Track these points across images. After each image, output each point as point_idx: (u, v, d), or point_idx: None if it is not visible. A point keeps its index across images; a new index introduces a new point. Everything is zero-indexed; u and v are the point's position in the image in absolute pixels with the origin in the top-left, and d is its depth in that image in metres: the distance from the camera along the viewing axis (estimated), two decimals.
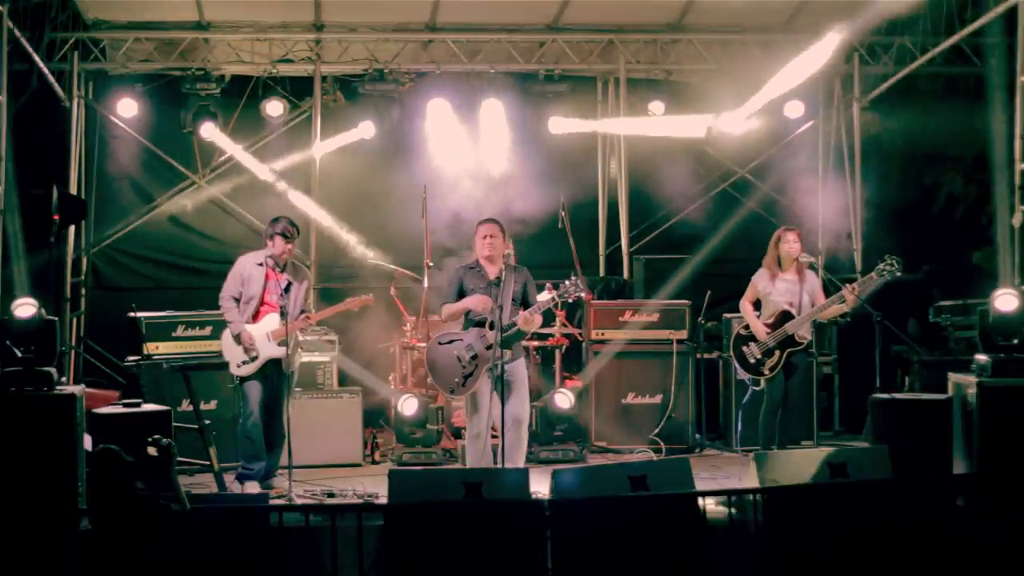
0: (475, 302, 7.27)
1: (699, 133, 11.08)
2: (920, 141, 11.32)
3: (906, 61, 10.84)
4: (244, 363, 7.67)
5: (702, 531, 5.94)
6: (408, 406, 8.76)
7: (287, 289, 7.68)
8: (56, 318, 7.03)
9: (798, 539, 5.96)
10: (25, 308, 6.77)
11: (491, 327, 7.14)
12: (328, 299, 9.52)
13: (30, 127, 9.57)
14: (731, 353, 8.24)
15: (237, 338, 7.66)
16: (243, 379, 7.71)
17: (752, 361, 7.94)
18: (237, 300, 7.73)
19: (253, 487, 7.63)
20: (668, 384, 9.31)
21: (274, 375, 7.68)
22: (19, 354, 6.62)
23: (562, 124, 11.06)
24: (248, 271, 7.74)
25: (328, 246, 10.81)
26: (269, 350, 7.64)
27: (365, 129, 10.81)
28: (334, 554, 5.80)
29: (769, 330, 7.86)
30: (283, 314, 7.46)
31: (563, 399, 8.93)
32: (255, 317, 7.71)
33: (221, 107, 10.67)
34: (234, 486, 7.68)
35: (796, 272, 7.93)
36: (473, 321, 7.35)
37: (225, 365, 7.86)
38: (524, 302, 7.37)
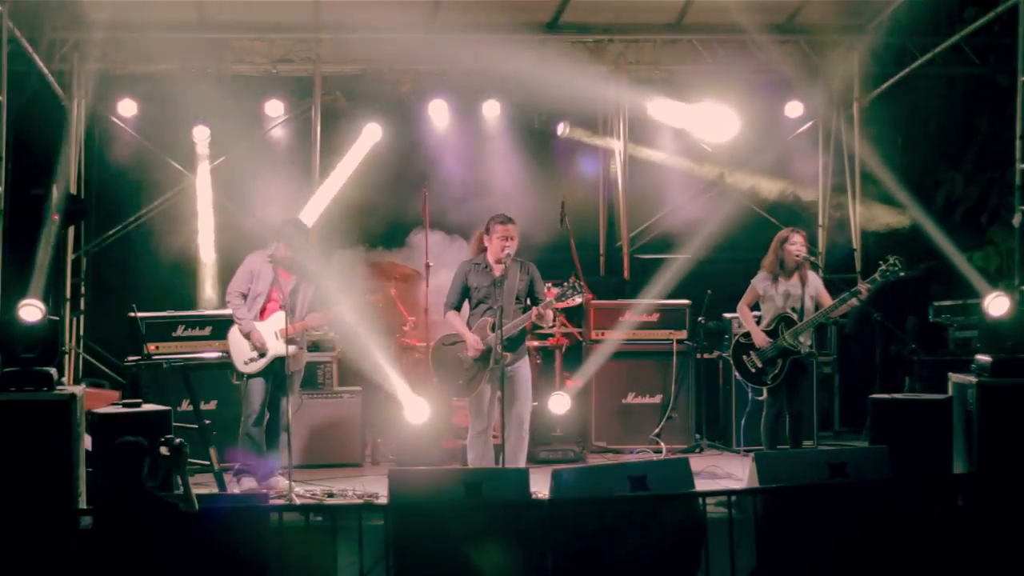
0: (469, 341, 7.21)
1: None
2: (920, 141, 11.30)
3: (906, 61, 10.84)
4: (251, 360, 7.67)
5: (701, 531, 5.94)
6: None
7: (295, 289, 7.71)
8: (58, 318, 7.02)
9: (798, 539, 5.96)
10: (30, 311, 6.73)
11: (493, 329, 7.13)
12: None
13: (30, 127, 9.55)
14: (731, 361, 8.00)
15: (247, 335, 7.66)
16: (249, 377, 7.70)
17: (753, 370, 7.69)
18: (244, 297, 7.74)
19: (250, 482, 7.64)
20: (668, 384, 9.31)
21: (279, 373, 7.68)
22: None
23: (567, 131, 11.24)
24: (258, 268, 7.74)
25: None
26: (277, 348, 7.64)
27: (372, 133, 10.79)
28: (334, 554, 5.81)
29: (768, 337, 7.62)
30: (291, 311, 7.50)
31: (558, 404, 8.80)
32: (261, 314, 7.72)
33: (220, 107, 10.66)
34: (229, 484, 7.67)
35: (798, 274, 7.66)
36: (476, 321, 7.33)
37: (225, 365, 7.83)
38: (532, 297, 7.34)
